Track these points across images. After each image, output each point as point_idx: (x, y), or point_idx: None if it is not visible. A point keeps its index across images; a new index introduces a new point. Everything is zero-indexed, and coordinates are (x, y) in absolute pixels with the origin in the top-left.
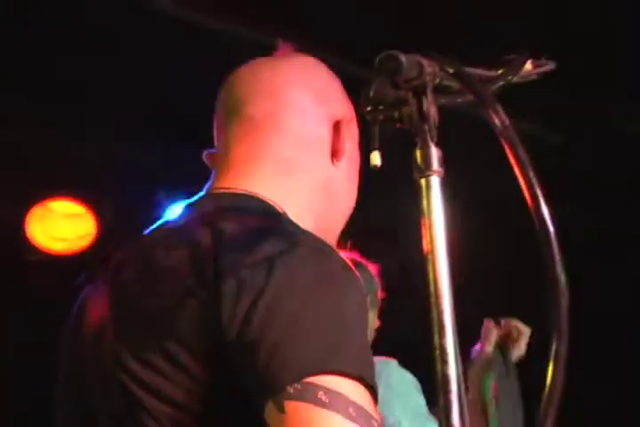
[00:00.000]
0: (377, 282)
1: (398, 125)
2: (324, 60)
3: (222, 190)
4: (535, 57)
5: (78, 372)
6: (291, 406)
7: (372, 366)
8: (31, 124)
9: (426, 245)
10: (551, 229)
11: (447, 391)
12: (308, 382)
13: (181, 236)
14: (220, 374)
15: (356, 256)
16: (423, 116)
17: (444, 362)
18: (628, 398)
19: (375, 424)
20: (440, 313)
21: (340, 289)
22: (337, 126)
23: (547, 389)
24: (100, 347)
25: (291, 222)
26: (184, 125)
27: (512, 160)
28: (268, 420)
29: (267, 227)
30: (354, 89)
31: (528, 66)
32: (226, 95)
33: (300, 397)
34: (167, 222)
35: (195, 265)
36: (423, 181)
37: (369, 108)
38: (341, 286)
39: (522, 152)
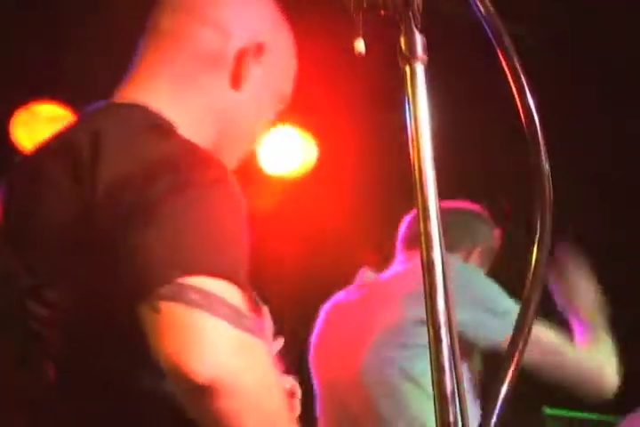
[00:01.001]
0: (496, 240)
1: (382, 12)
2: None
3: (118, 101)
4: None
5: None
6: (164, 306)
7: (243, 269)
8: (15, 25)
9: (410, 132)
10: (536, 118)
11: (432, 275)
12: (180, 283)
13: (66, 144)
14: (100, 278)
15: (479, 209)
16: (407, 3)
17: (429, 247)
18: None
19: (247, 323)
20: (425, 199)
21: (217, 196)
22: (243, 52)
23: (530, 275)
24: None
25: (175, 133)
26: None
27: (497, 48)
28: (143, 322)
29: (149, 134)
30: None
31: None
32: (153, 13)
33: (173, 297)
34: (62, 131)
35: (74, 172)
36: (407, 69)
37: None
38: (218, 193)
39: (507, 40)
